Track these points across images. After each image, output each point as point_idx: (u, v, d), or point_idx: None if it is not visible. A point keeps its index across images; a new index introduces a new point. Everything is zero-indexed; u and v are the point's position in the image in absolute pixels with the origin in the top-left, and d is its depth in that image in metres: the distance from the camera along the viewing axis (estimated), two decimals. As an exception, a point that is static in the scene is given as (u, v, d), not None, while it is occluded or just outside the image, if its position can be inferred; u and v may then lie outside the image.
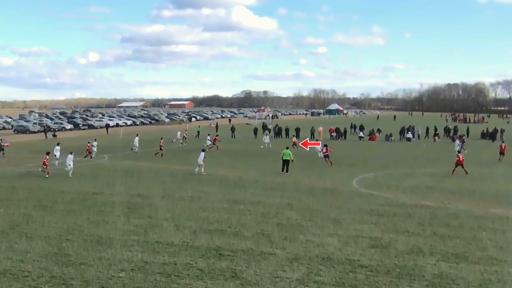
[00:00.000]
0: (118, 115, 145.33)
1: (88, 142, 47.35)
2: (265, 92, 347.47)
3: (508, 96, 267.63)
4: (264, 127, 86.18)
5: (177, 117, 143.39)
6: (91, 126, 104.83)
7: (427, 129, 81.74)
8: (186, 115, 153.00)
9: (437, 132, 76.94)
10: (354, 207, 24.74)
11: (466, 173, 36.56)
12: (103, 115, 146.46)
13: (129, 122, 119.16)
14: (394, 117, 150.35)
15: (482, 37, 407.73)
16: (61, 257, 16.49)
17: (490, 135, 74.97)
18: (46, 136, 77.00)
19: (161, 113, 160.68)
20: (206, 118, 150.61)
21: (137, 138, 54.55)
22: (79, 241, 18.31)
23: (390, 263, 16.03)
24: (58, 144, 43.18)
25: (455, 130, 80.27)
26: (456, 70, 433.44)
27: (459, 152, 39.36)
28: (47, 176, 34.36)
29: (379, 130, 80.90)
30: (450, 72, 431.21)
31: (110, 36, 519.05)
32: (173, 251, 17.14)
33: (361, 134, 76.23)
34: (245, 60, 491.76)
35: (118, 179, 33.75)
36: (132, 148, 53.58)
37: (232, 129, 78.19)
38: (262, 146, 58.77)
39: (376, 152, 55.19)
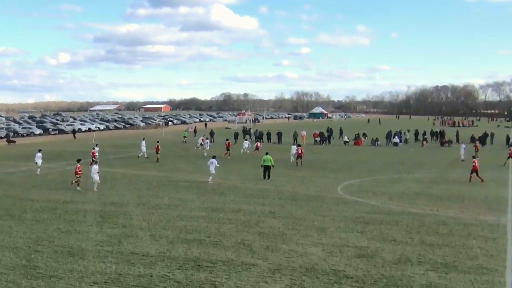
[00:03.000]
0: (90, 119, 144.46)
1: (93, 148, 47.12)
2: (245, 94, 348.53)
3: (498, 98, 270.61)
4: (245, 131, 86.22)
5: (153, 121, 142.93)
6: (61, 131, 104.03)
7: (416, 133, 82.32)
8: (162, 119, 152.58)
9: (425, 137, 77.57)
10: (339, 215, 24.80)
11: (482, 180, 36.30)
12: (75, 119, 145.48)
13: (102, 127, 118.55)
14: (379, 120, 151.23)
15: (471, 37, 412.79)
16: (30, 269, 16.32)
17: (480, 140, 75.59)
18: (8, 142, 75.99)
19: (136, 117, 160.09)
20: (183, 122, 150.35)
21: (143, 142, 53.72)
22: (49, 252, 18.15)
23: (377, 273, 16.07)
24: (39, 151, 41.76)
25: (442, 134, 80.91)
26: (445, 71, 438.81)
27: (474, 157, 38.96)
28: (78, 188, 32.42)
29: (364, 135, 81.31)
30: (438, 73, 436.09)
31: (82, 36, 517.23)
32: (149, 262, 17.04)
33: (346, 138, 76.57)
34: (224, 61, 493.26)
35: (90, 186, 33.52)
36: (139, 156, 52.82)
37: (211, 134, 78.13)
38: (242, 150, 58.78)
39: (362, 157, 55.44)
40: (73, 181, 33.28)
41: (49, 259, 17.33)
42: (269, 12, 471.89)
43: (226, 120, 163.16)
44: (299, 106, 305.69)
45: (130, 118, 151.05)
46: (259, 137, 77.52)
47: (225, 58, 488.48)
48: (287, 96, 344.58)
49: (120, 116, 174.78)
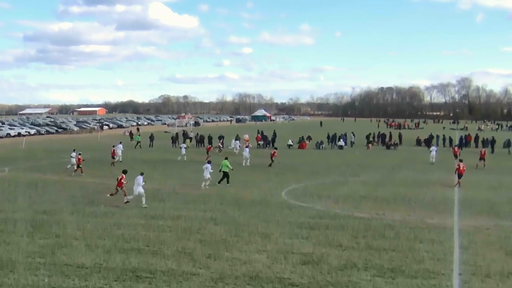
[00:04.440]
0: (20, 123, 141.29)
1: (80, 154, 45.05)
2: (185, 96, 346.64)
3: (443, 100, 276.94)
4: (184, 135, 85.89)
5: (87, 125, 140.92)
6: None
7: (352, 135, 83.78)
8: (97, 122, 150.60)
9: (370, 140, 78.82)
10: (284, 220, 24.92)
11: (459, 184, 36.79)
12: (3, 123, 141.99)
13: (32, 131, 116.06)
14: (321, 123, 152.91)
15: (415, 37, 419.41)
16: (-46, 284, 15.87)
17: (425, 142, 77.30)
18: None
19: (69, 121, 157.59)
20: (120, 126, 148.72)
21: (120, 146, 54.03)
22: (-24, 265, 17.67)
23: (323, 279, 16.21)
24: None
25: (389, 136, 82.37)
26: (390, 71, 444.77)
27: (461, 160, 39.28)
28: (126, 201, 29.38)
29: (309, 138, 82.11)
30: (383, 73, 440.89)
31: (11, 34, 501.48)
32: (84, 273, 16.77)
33: (290, 142, 77.05)
34: (163, 61, 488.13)
35: (21, 193, 32.80)
36: (120, 160, 52.07)
37: (151, 138, 77.57)
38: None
39: (306, 161, 55.94)
40: (109, 194, 30.97)
41: (-25, 273, 16.87)
42: (209, 10, 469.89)
43: (165, 124, 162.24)
44: (242, 109, 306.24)
45: (63, 122, 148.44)
46: (199, 141, 77.39)
47: (164, 58, 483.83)
48: (229, 98, 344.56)
49: (52, 120, 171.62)
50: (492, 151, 65.98)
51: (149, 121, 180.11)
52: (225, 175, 37.27)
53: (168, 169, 47.15)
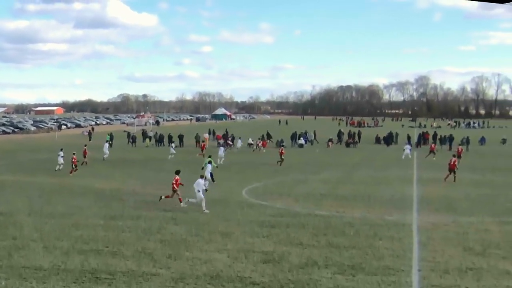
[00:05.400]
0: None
1: (74, 154, 43.85)
2: (144, 95, 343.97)
3: (402, 98, 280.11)
4: (144, 134, 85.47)
5: (44, 124, 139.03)
6: None
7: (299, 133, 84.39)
8: (55, 122, 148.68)
9: (331, 138, 79.35)
10: (244, 219, 24.93)
11: (454, 179, 37.69)
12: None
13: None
14: (279, 121, 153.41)
15: (375, 36, 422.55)
16: None
17: (384, 140, 78.10)
18: None
19: (26, 120, 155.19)
20: (78, 126, 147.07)
21: (107, 145, 56.55)
22: None
23: (284, 278, 16.25)
24: None
25: (349, 134, 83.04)
26: (349, 70, 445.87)
27: (454, 156, 39.73)
28: (183, 204, 27.99)
29: (269, 136, 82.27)
30: (342, 72, 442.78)
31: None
32: (42, 276, 16.52)
33: (250, 140, 77.08)
34: (122, 60, 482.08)
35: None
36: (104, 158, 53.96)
37: (111, 137, 76.92)
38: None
39: (267, 159, 56.00)
40: (164, 197, 28.96)
41: None
42: (169, 8, 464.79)
43: (124, 123, 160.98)
44: (202, 107, 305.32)
45: (20, 122, 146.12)
46: (159, 140, 77.03)
47: (123, 56, 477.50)
48: (189, 96, 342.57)
49: (8, 119, 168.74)
50: (450, 149, 66.89)
51: (108, 121, 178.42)
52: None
53: (127, 168, 46.81)
